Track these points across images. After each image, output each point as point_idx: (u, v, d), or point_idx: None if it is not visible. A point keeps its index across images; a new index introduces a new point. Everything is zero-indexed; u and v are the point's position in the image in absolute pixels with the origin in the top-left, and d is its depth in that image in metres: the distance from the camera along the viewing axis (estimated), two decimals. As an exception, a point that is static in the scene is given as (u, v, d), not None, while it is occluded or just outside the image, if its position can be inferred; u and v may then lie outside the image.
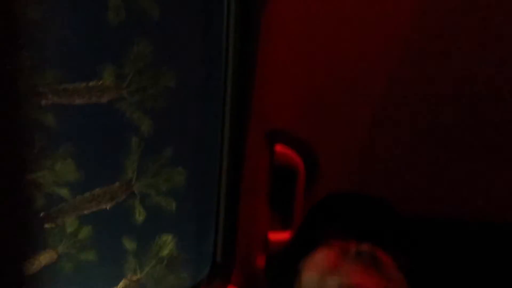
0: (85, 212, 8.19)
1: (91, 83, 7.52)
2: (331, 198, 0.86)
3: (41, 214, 7.62)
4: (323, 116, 0.87)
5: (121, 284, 8.54)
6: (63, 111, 7.22)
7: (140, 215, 9.23)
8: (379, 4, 0.81)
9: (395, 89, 0.84)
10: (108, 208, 8.54)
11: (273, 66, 0.85)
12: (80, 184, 8.00)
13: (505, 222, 0.88)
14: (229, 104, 0.91)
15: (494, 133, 0.84)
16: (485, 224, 0.88)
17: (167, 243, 9.18)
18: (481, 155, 0.86)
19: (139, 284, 8.84)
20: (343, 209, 0.84)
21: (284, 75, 0.86)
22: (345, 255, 0.73)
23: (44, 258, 7.96)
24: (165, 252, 9.19)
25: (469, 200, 0.87)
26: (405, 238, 0.81)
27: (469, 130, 0.85)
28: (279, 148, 0.89)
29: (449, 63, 0.83)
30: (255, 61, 0.86)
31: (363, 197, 0.84)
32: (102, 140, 8.19)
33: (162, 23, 6.95)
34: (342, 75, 0.84)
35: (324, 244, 0.76)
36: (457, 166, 0.87)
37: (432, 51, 0.82)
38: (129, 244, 8.91)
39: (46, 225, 7.69)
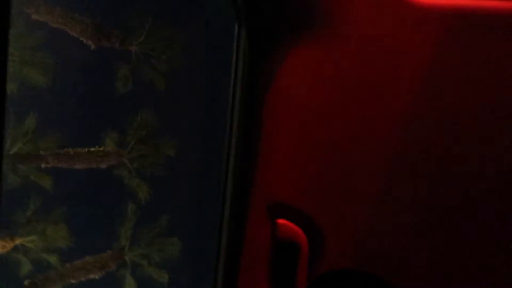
0: (73, 281, 7.82)
1: (92, 149, 7.59)
2: (330, 275, 0.81)
3: (26, 282, 7.26)
4: (328, 191, 0.85)
5: None
6: (61, 175, 7.19)
7: (130, 287, 8.80)
8: (384, 76, 0.83)
9: (402, 166, 0.84)
10: (97, 277, 8.17)
11: (278, 137, 0.85)
12: (71, 251, 7.74)
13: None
14: (231, 174, 0.89)
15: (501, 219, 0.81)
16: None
17: (156, 319, 8.64)
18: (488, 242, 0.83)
19: None
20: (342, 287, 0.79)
21: (289, 147, 0.85)
22: None
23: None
24: (153, 328, 8.62)
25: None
26: None
27: (477, 213, 0.82)
28: (281, 222, 0.86)
29: (458, 139, 0.82)
30: (259, 133, 0.85)
31: (362, 276, 0.79)
32: (97, 206, 8.06)
33: (168, 95, 7.19)
34: (348, 149, 0.84)
35: None
36: (464, 253, 0.83)
37: (441, 127, 0.82)
38: (115, 319, 8.38)
39: (30, 294, 7.29)
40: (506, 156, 0.78)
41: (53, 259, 7.78)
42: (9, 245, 7.09)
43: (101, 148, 7.68)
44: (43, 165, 7.01)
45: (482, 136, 0.80)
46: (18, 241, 7.33)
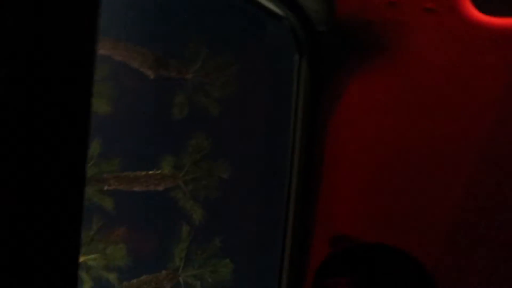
0: (130, 300, 8.06)
1: (150, 172, 7.90)
2: (351, 249, 0.74)
3: (88, 299, 7.60)
4: (397, 222, 0.81)
5: None
6: (122, 197, 7.55)
7: (183, 308, 8.92)
8: (455, 101, 0.79)
9: (479, 199, 0.79)
10: (152, 297, 8.36)
11: (341, 167, 0.83)
12: (129, 270, 8.02)
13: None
14: (292, 206, 0.88)
15: None
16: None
17: None
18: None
19: None
20: (362, 260, 0.72)
21: (352, 177, 0.83)
22: None
23: None
24: None
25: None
26: None
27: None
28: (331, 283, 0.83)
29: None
30: (322, 161, 0.84)
31: (385, 248, 0.73)
32: (154, 227, 8.33)
33: (221, 120, 7.36)
34: (408, 177, 0.81)
35: None
36: None
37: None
38: None
39: (91, 311, 7.61)
40: None
41: (111, 277, 8.08)
42: (74, 263, 7.47)
43: (159, 171, 7.99)
44: (105, 188, 7.39)
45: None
46: (81, 259, 7.74)
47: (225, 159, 8.03)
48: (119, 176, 7.62)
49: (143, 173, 7.82)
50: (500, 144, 0.78)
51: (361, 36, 0.84)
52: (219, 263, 9.25)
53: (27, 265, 0.42)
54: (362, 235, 0.85)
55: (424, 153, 0.80)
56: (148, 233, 8.26)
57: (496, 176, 0.77)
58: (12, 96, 0.39)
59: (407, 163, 0.80)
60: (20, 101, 0.39)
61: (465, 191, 0.79)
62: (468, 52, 0.81)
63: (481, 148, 0.78)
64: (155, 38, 6.69)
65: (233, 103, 7.22)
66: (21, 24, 0.38)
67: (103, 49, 6.23)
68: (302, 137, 0.88)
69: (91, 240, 7.76)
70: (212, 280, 9.29)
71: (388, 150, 0.83)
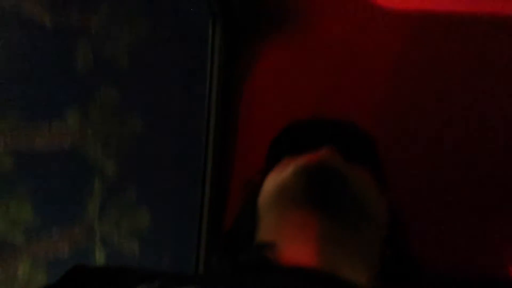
0: (40, 256, 7.81)
1: (54, 126, 7.33)
2: (288, 127, 0.80)
3: (-8, 260, 7.18)
4: None
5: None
6: (22, 155, 6.96)
7: (100, 258, 8.87)
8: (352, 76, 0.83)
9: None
10: (66, 251, 8.17)
11: (252, 128, 0.85)
12: (37, 228, 7.66)
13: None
14: (209, 167, 0.88)
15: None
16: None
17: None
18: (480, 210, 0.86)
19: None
20: (302, 132, 0.78)
21: (263, 136, 0.85)
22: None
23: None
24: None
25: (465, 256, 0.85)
26: (372, 154, 0.75)
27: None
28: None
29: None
30: (236, 123, 0.84)
31: (318, 119, 0.79)
32: (63, 184, 7.92)
33: (131, 72, 6.94)
34: None
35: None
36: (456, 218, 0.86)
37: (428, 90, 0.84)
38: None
39: (-3, 271, 7.25)
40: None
41: (18, 236, 7.69)
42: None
43: (64, 126, 7.44)
44: (1, 147, 6.75)
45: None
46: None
47: (137, 112, 7.69)
48: (18, 132, 6.97)
49: (45, 127, 7.23)
50: (390, 102, 0.86)
51: (273, 5, 0.86)
52: (136, 212, 9.22)
53: None
54: None
55: (329, 110, 0.86)
56: (56, 190, 7.84)
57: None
58: None
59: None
60: None
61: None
62: (362, 29, 0.87)
63: (376, 110, 0.86)
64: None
65: (144, 55, 6.80)
66: None
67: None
68: (218, 97, 0.88)
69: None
70: (130, 228, 9.28)
71: (295, 114, 0.87)
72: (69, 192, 7.99)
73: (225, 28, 0.80)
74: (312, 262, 0.58)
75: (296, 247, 0.62)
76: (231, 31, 0.80)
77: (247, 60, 0.82)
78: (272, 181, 0.68)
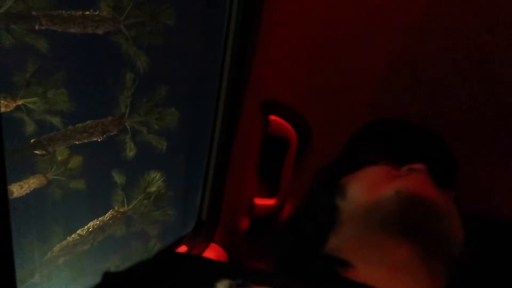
0: (76, 142, 8.21)
1: (87, 13, 7.22)
2: (375, 124, 0.80)
3: (32, 141, 7.62)
4: (320, 96, 0.84)
5: (108, 214, 8.76)
6: (57, 38, 6.98)
7: (130, 151, 9.28)
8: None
9: (395, 80, 0.81)
10: (99, 140, 8.56)
11: (276, 35, 0.81)
12: (72, 114, 7.95)
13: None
14: (227, 68, 0.87)
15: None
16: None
17: (156, 180, 9.33)
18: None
19: (125, 216, 9.09)
20: (391, 135, 0.78)
21: (286, 47, 0.82)
22: (397, 171, 0.66)
23: (34, 183, 8.07)
24: (153, 188, 9.36)
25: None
26: (453, 175, 0.76)
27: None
28: (273, 118, 0.87)
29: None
30: (258, 28, 0.81)
31: (412, 125, 0.79)
32: (96, 73, 8.01)
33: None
34: (343, 59, 0.81)
35: (372, 163, 0.68)
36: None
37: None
38: (118, 177, 9.04)
39: (37, 151, 7.71)
40: None
41: (56, 120, 8.02)
42: (12, 105, 7.23)
43: (96, 13, 7.32)
44: (37, 27, 6.75)
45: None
46: (20, 101, 7.47)
47: (170, 4, 7.43)
48: (52, 15, 6.92)
49: (79, 12, 7.13)
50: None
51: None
52: (165, 112, 9.41)
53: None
54: (291, 101, 0.86)
55: (360, 34, 0.80)
56: (90, 78, 7.95)
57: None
58: None
59: (341, 42, 0.79)
60: None
61: (384, 79, 0.81)
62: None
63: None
64: None
65: None
66: None
67: None
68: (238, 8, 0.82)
69: (28, 83, 7.40)
70: (159, 127, 9.55)
71: (324, 26, 0.81)
72: (102, 82, 8.11)
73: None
74: (386, 287, 0.55)
75: (375, 270, 0.57)
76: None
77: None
78: (364, 194, 0.61)
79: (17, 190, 7.59)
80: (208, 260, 0.60)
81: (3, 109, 6.75)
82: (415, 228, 0.59)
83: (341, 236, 0.62)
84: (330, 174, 0.71)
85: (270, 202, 0.96)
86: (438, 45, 0.75)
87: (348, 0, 0.76)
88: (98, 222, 8.63)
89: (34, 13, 6.66)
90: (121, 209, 9.13)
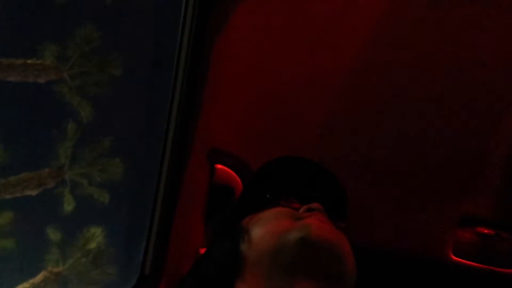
0: (8, 196, 7.65)
1: (29, 61, 7.04)
2: (272, 164, 0.83)
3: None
4: (264, 141, 0.88)
5: (40, 275, 8.04)
6: (-6, 87, 6.68)
7: (69, 205, 8.75)
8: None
9: (335, 124, 0.87)
10: (34, 194, 8.02)
11: (221, 87, 0.85)
12: (6, 166, 7.46)
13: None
14: (173, 118, 0.89)
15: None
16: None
17: (96, 236, 8.78)
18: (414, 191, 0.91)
19: (60, 277, 8.38)
20: (288, 173, 0.80)
21: (231, 97, 0.86)
22: (296, 212, 0.71)
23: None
24: (92, 245, 8.78)
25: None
26: (344, 206, 0.80)
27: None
28: (219, 167, 0.89)
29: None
30: (204, 81, 0.85)
31: (306, 161, 0.82)
32: (36, 123, 7.68)
33: (113, 9, 6.68)
34: (286, 102, 0.86)
35: (271, 204, 0.72)
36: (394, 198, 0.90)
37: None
38: (53, 234, 8.41)
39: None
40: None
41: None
42: None
43: (39, 61, 7.15)
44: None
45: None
46: None
47: (118, 54, 7.46)
48: (-10, 63, 6.66)
49: (20, 61, 6.94)
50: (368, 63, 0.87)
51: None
52: (109, 163, 9.09)
53: None
54: (235, 149, 0.90)
55: (292, 76, 0.85)
56: (29, 128, 7.59)
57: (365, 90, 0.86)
58: None
59: (278, 86, 0.85)
60: None
61: (326, 122, 0.87)
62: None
63: (346, 76, 0.86)
64: None
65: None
66: None
67: None
68: (187, 54, 0.86)
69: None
70: (101, 179, 9.16)
71: (269, 74, 0.86)
72: (42, 132, 7.78)
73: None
74: None
75: None
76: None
77: (221, 16, 0.79)
78: (268, 240, 0.69)
79: None
80: None
81: None
82: (319, 271, 0.63)
83: (248, 283, 0.64)
84: (232, 215, 0.73)
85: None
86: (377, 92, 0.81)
87: (289, 46, 0.82)
88: (28, 286, 7.87)
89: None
90: (55, 269, 8.42)
